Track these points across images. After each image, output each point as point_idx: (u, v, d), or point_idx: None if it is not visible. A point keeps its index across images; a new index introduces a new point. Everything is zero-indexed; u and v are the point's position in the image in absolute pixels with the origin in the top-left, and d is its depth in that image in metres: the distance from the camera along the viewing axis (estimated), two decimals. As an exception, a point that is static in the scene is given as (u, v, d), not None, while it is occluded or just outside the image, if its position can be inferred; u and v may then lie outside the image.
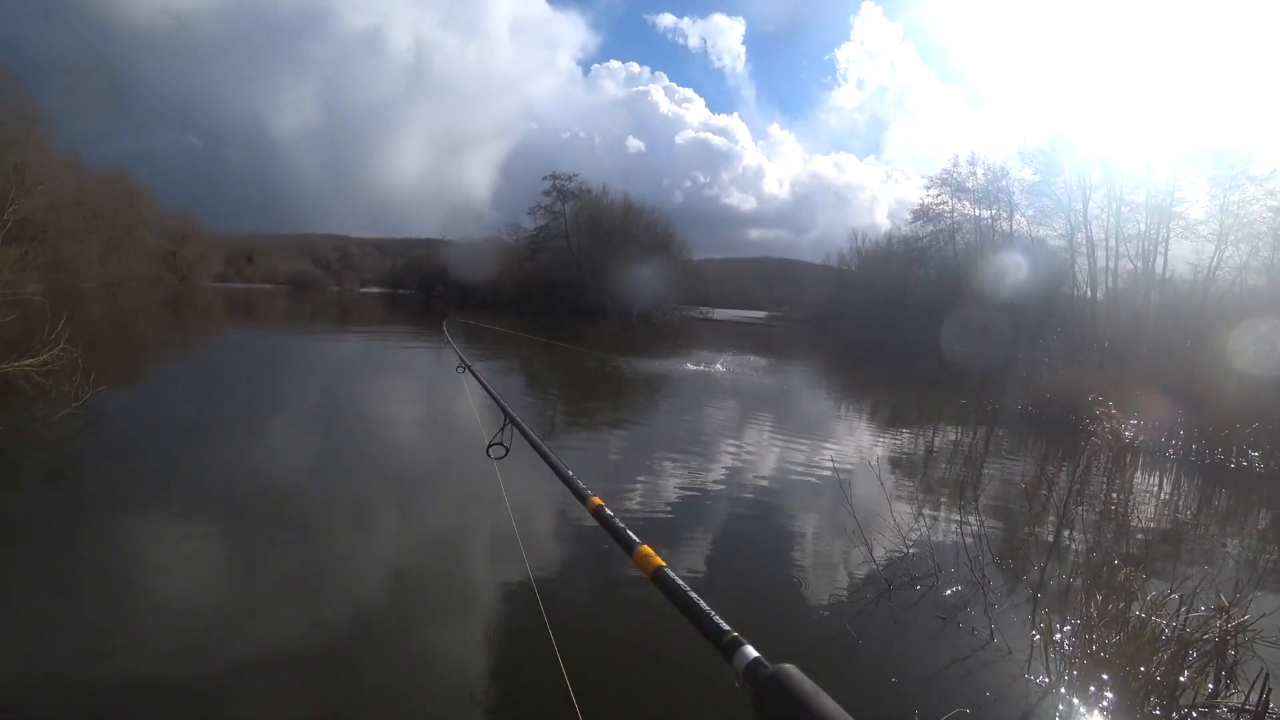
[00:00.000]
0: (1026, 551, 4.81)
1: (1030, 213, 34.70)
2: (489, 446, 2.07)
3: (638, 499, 5.82)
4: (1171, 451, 9.75)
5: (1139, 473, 8.66)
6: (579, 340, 22.86)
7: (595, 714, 2.73)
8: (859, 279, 48.94)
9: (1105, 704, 3.08)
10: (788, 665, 0.69)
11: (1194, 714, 3.01)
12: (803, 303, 58.98)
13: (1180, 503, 7.52)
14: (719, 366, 17.37)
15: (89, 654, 3.02)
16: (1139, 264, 27.09)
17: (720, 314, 61.06)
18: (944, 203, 41.78)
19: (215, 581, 3.84)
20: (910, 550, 4.76)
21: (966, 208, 40.67)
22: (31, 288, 21.88)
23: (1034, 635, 3.53)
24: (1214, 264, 24.04)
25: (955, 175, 40.79)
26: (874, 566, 4.47)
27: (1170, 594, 3.61)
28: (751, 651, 0.76)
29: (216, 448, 6.72)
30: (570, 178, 54.28)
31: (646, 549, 1.05)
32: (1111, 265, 28.27)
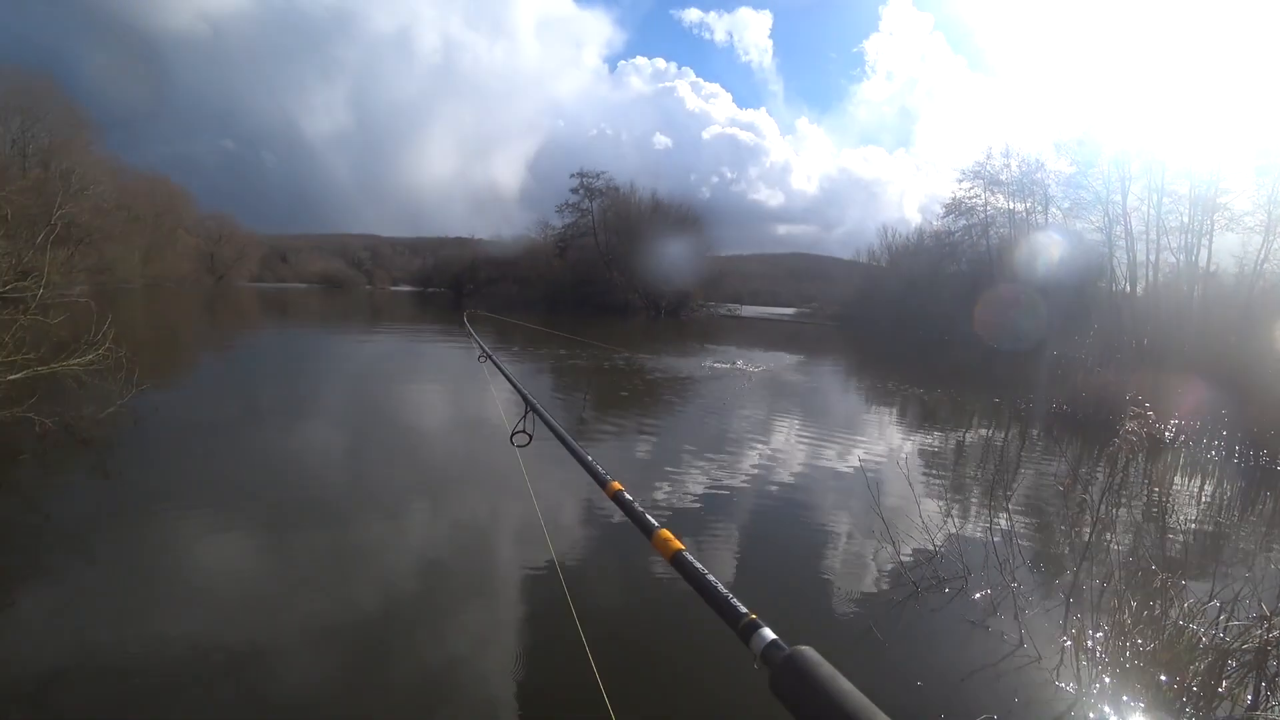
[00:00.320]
0: (1059, 554, 4.73)
1: (1066, 205, 33.83)
2: (513, 434, 2.10)
3: (663, 496, 5.84)
4: (1214, 452, 9.45)
5: (1179, 474, 8.42)
6: (607, 338, 22.95)
7: (621, 696, 2.76)
8: (889, 274, 48.34)
9: (1138, 713, 3.02)
10: (805, 647, 0.69)
11: (1232, 725, 2.94)
12: (832, 299, 58.42)
13: (1222, 506, 7.29)
14: (742, 364, 17.28)
15: (134, 637, 3.17)
16: (1181, 257, 26.15)
17: (748, 311, 60.74)
18: (977, 196, 41.04)
19: (253, 570, 3.98)
20: (939, 551, 4.70)
21: (1000, 201, 39.89)
22: (78, 289, 22.65)
23: (1065, 641, 3.47)
24: (1261, 256, 23.09)
25: (988, 168, 40.04)
26: (901, 567, 4.44)
27: (1209, 601, 3.52)
28: (769, 634, 0.76)
29: (254, 445, 6.97)
30: (598, 175, 54.51)
31: (666, 533, 1.06)
32: (1152, 258, 27.33)
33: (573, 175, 54.46)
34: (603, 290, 48.31)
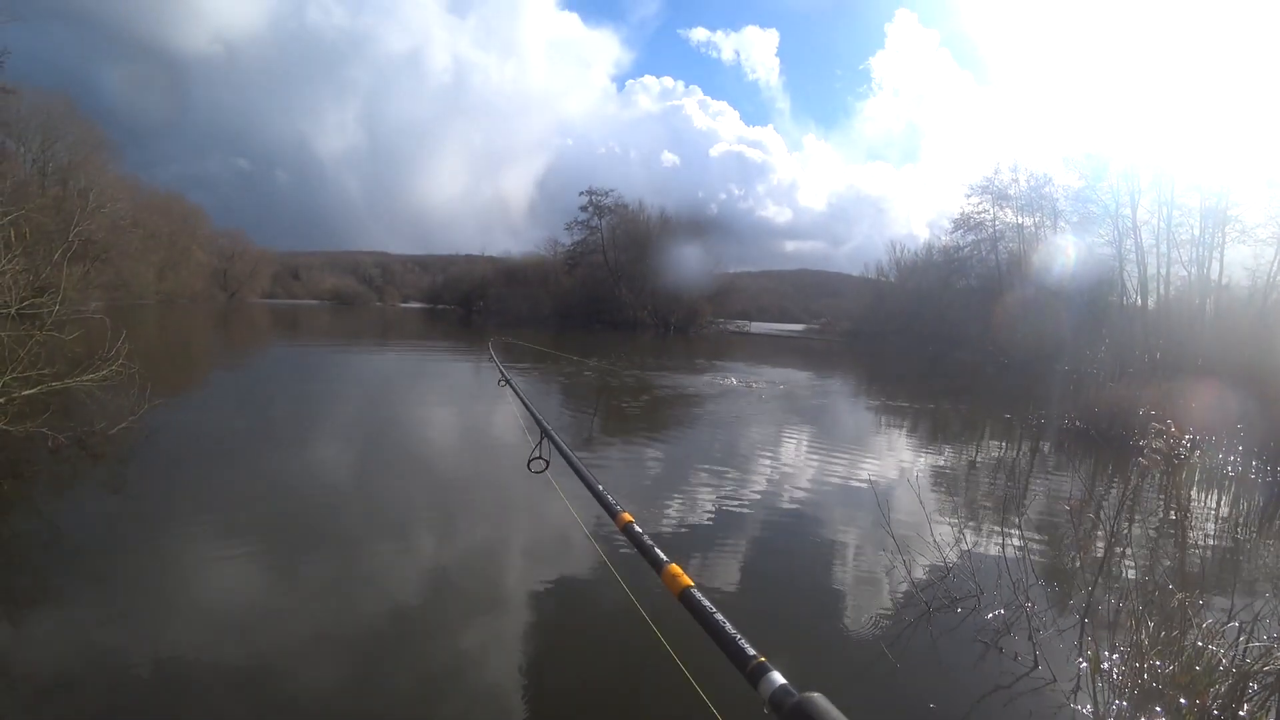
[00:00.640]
0: (1073, 573, 4.65)
1: (1075, 219, 33.74)
2: (530, 461, 2.16)
3: (672, 513, 5.80)
4: (1230, 467, 9.31)
5: (1195, 490, 8.29)
6: (615, 355, 22.99)
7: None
8: (898, 290, 48.23)
9: (1158, 737, 2.95)
10: (814, 694, 0.68)
11: (1255, 750, 2.86)
12: (841, 315, 58.32)
13: (1240, 523, 7.16)
14: (752, 381, 17.23)
15: (142, 651, 3.17)
16: (1193, 270, 25.98)
17: (757, 327, 60.66)
18: (985, 211, 41.04)
19: (262, 587, 3.98)
20: (950, 570, 4.63)
21: (1009, 215, 39.87)
22: (94, 305, 22.97)
23: (1081, 663, 3.41)
24: (1274, 269, 22.90)
25: (997, 183, 40.06)
26: (913, 587, 4.37)
27: (1229, 622, 3.44)
28: (778, 678, 0.75)
29: (265, 460, 7.00)
30: (607, 193, 54.87)
31: (675, 568, 1.05)
32: (1163, 272, 27.16)
33: (582, 193, 54.94)
34: (613, 307, 48.56)
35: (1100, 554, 4.00)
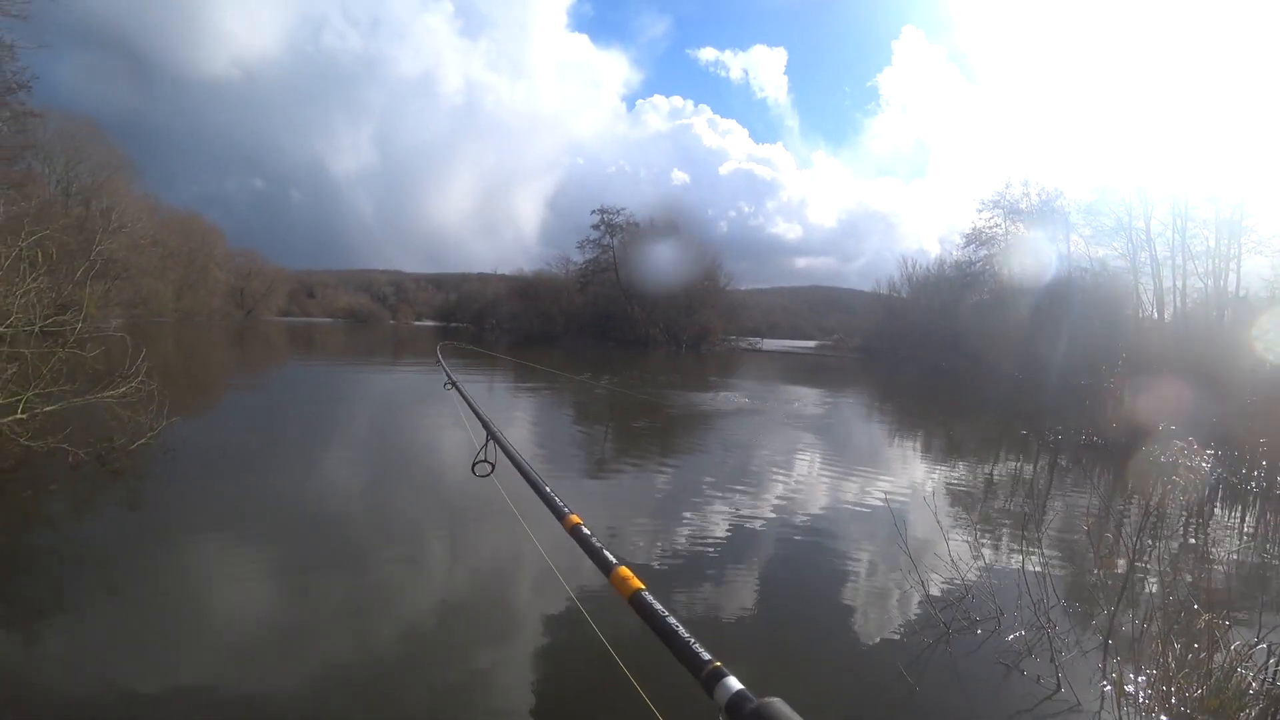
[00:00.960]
0: (1096, 593, 4.56)
1: (1088, 233, 33.50)
2: (474, 464, 2.04)
3: (686, 532, 5.77)
4: (1254, 483, 9.13)
5: (1218, 507, 8.13)
6: (625, 373, 22.99)
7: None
8: (910, 305, 48.00)
9: (1187, 763, 2.87)
10: (774, 699, 0.65)
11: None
12: (853, 331, 58.11)
13: (1266, 538, 7.01)
14: (764, 398, 17.17)
15: (154, 667, 3.19)
16: (1209, 282, 25.72)
17: (769, 344, 60.48)
18: (997, 225, 40.85)
19: (276, 606, 3.98)
20: (969, 590, 4.55)
21: (1021, 230, 39.59)
22: (114, 323, 23.34)
23: (1105, 686, 3.33)
24: (1292, 280, 22.63)
25: (1008, 197, 39.97)
26: (931, 607, 4.30)
27: (1258, 643, 3.36)
28: (735, 684, 0.71)
29: (281, 478, 7.05)
30: (618, 211, 55.17)
31: (625, 571, 1.01)
32: (1179, 284, 26.88)
33: (593, 212, 55.21)
34: (624, 325, 48.67)
35: (1121, 572, 3.92)
